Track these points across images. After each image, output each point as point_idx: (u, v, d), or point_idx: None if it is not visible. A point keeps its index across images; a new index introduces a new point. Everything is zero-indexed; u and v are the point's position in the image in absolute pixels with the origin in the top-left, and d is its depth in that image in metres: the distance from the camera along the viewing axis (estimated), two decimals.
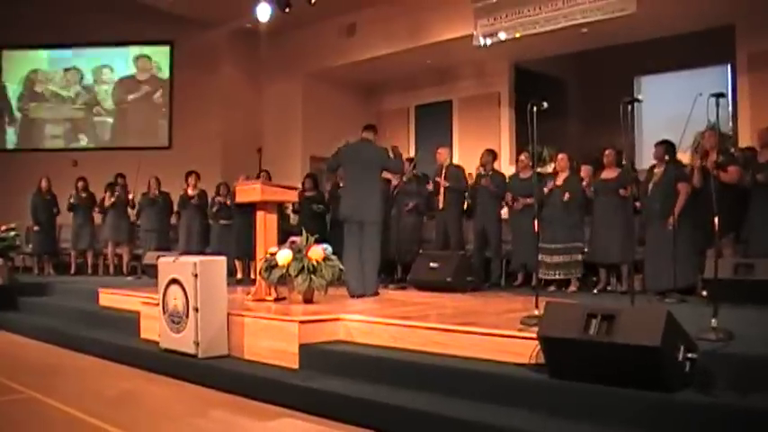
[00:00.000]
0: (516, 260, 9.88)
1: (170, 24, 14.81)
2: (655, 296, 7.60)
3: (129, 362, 6.82)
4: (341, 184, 9.67)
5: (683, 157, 8.37)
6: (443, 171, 10.27)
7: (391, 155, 8.55)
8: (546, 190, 9.22)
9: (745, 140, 10.28)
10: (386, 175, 9.74)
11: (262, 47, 15.36)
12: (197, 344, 6.07)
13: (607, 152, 9.08)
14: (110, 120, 16.21)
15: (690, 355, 3.95)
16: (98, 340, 7.55)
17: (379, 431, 4.45)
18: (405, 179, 10.56)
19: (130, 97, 16.15)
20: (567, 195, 9.09)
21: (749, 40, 11.20)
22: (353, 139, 8.54)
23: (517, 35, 11.45)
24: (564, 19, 10.91)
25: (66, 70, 16.27)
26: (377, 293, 8.11)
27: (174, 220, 12.87)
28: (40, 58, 16.38)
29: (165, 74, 16.05)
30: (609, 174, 9.01)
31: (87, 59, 16.26)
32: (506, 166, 12.38)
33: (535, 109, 5.62)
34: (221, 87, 15.56)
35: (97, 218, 13.34)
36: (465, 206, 10.55)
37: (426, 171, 11.05)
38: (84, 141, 16.12)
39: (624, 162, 9.18)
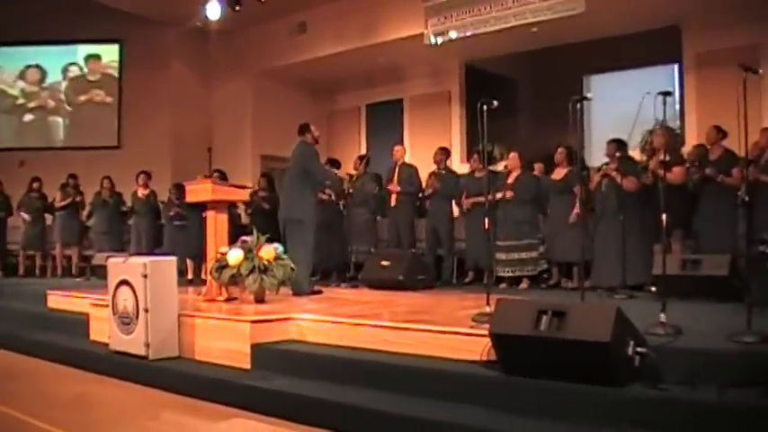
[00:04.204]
0: (470, 258, 9.94)
1: (120, 23, 14.58)
2: (604, 292, 7.68)
3: (80, 364, 6.72)
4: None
5: (633, 154, 8.47)
6: (396, 170, 10.28)
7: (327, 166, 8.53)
8: (498, 195, 9.25)
9: (691, 138, 10.42)
10: None
11: (212, 45, 15.21)
12: (147, 345, 6.01)
13: (559, 150, 9.13)
14: (59, 119, 15.88)
15: (639, 350, 4.01)
16: (47, 343, 7.43)
17: (331, 430, 4.44)
18: (355, 178, 10.56)
19: (82, 98, 15.83)
20: (509, 194, 9.20)
21: (696, 40, 11.34)
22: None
23: (468, 34, 11.49)
24: (514, 18, 10.96)
25: (28, 67, 15.89)
26: (314, 292, 8.03)
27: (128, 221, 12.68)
28: None
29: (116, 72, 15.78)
30: (558, 174, 9.10)
31: (35, 57, 15.88)
32: (458, 164, 12.42)
33: (485, 108, 5.63)
34: (172, 86, 15.33)
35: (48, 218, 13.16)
36: (419, 205, 10.59)
37: (378, 170, 11.07)
38: (33, 141, 15.68)
39: (574, 160, 9.28)
